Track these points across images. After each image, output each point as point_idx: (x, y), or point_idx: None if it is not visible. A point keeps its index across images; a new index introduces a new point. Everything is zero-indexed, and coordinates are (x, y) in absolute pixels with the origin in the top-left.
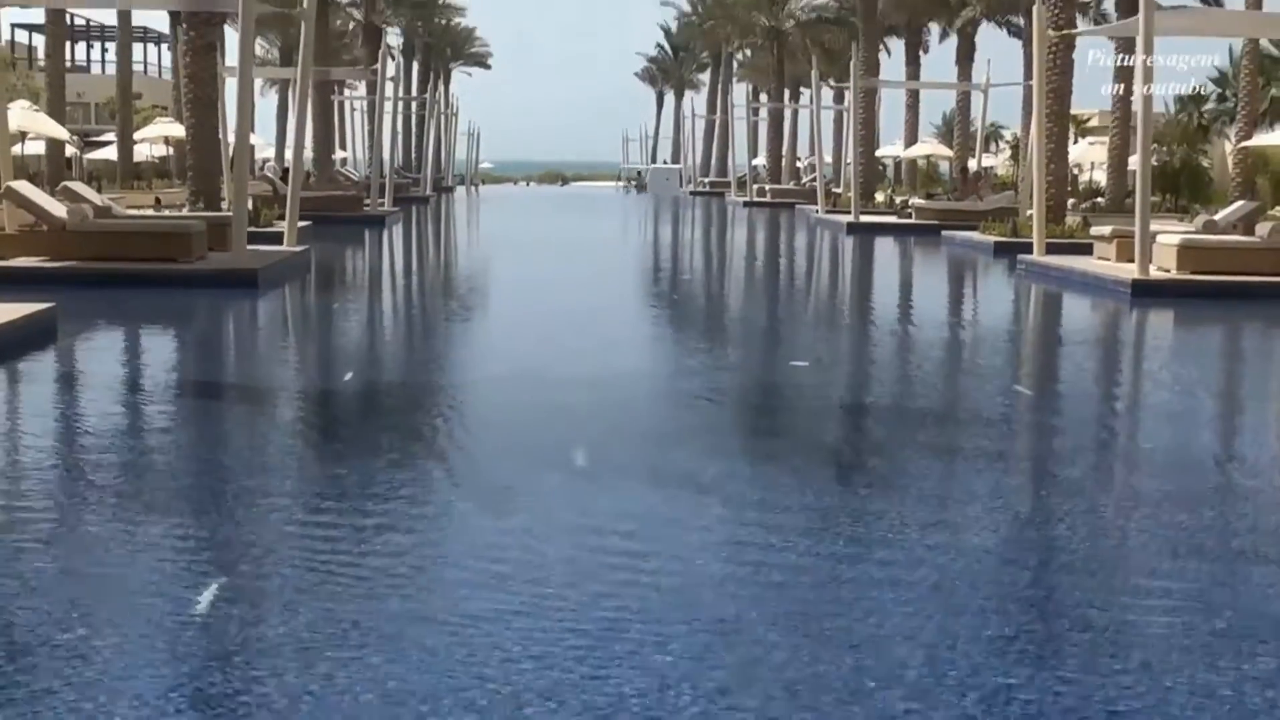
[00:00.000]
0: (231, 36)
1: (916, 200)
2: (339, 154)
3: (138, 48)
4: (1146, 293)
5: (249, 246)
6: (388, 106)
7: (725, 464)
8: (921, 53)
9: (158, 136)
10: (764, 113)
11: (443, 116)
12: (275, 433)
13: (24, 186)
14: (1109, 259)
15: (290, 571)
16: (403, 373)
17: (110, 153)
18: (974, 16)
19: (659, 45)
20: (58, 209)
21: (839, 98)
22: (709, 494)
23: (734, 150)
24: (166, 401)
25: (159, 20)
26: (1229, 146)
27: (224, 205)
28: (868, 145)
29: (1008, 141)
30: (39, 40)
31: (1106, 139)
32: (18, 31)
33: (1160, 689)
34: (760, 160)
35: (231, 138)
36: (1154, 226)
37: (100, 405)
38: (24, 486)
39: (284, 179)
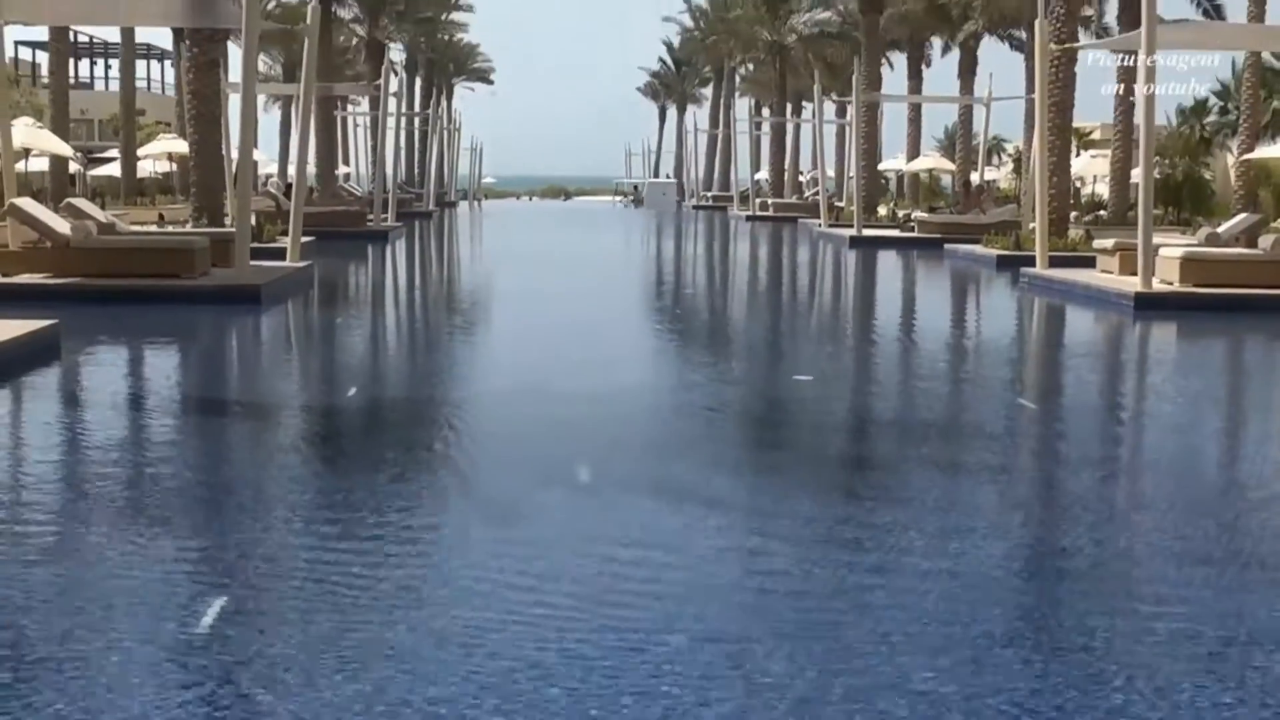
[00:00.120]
0: (235, 53)
1: (919, 214)
2: (342, 169)
3: (141, 64)
4: (1150, 306)
5: (252, 262)
6: (390, 122)
7: (729, 478)
8: (924, 66)
9: (161, 153)
10: (766, 127)
11: (445, 132)
12: (280, 449)
13: (28, 203)
14: (1112, 272)
15: (296, 587)
16: (406, 388)
17: (114, 169)
18: (976, 30)
19: (661, 60)
20: (61, 226)
21: (841, 112)
22: (715, 507)
23: (736, 164)
24: (170, 418)
25: (162, 37)
26: (1231, 159)
27: (227, 221)
28: (870, 159)
29: (1010, 155)
30: (43, 57)
31: (1109, 152)
32: (21, 49)
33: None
34: (763, 174)
35: (235, 153)
36: (1157, 239)
37: (104, 422)
38: (27, 502)
39: (287, 194)
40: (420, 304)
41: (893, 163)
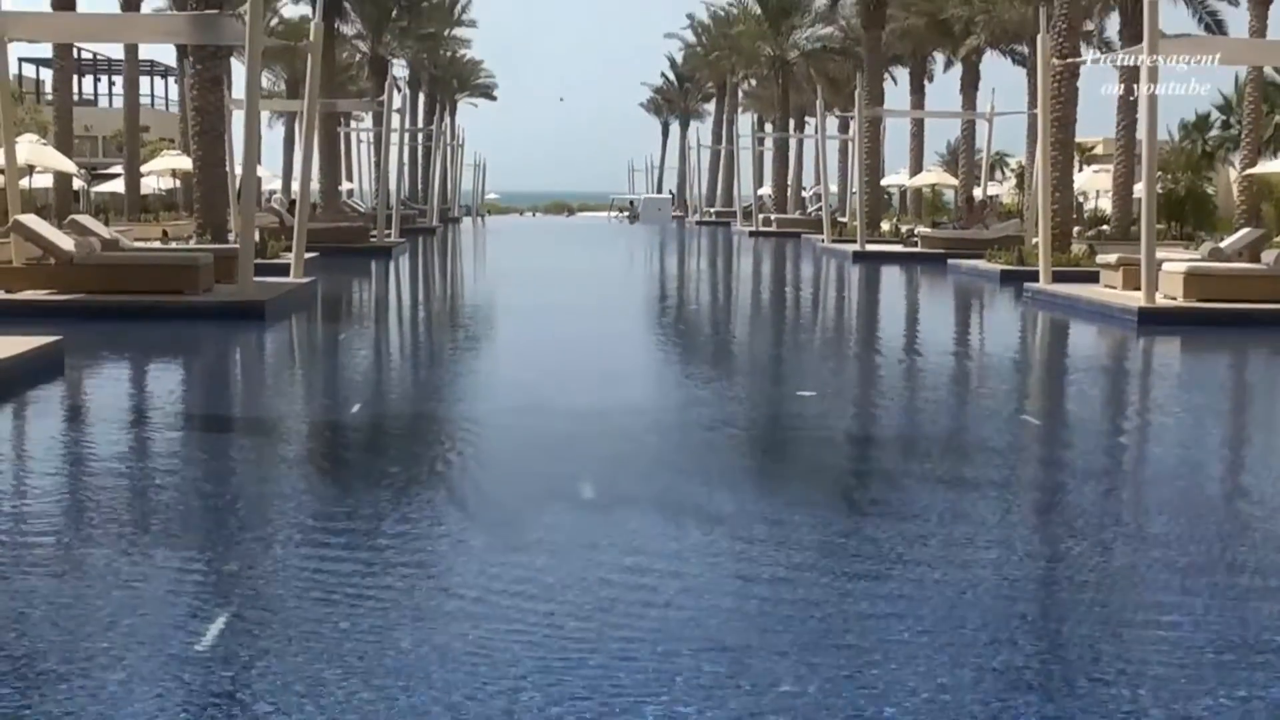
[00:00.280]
0: (238, 69)
1: (922, 229)
2: (345, 185)
3: (145, 81)
4: (1153, 320)
5: (256, 278)
6: (394, 138)
7: (733, 494)
8: (926, 81)
9: (165, 169)
10: (769, 142)
11: (449, 147)
12: (283, 465)
13: (32, 220)
14: (1115, 287)
15: (297, 602)
16: (410, 404)
17: (118, 185)
18: (978, 45)
19: (664, 76)
20: (65, 242)
21: (844, 127)
22: (719, 524)
23: (739, 180)
24: (174, 434)
25: (166, 54)
26: (1234, 174)
27: (231, 237)
28: (873, 174)
29: (1013, 170)
30: (47, 74)
31: (1111, 167)
32: (25, 66)
33: None
34: (766, 190)
35: (238, 170)
36: (1160, 254)
37: (108, 438)
38: (30, 517)
39: (290, 211)
40: (424, 320)
41: (895, 178)
